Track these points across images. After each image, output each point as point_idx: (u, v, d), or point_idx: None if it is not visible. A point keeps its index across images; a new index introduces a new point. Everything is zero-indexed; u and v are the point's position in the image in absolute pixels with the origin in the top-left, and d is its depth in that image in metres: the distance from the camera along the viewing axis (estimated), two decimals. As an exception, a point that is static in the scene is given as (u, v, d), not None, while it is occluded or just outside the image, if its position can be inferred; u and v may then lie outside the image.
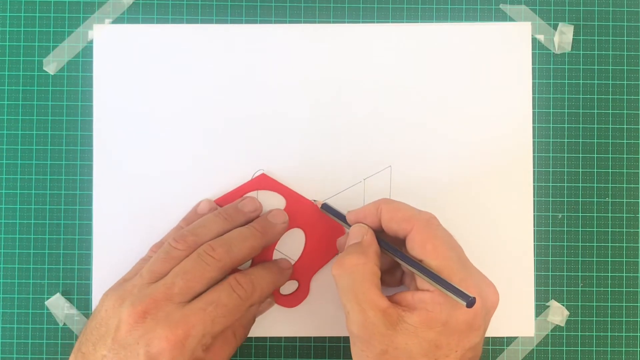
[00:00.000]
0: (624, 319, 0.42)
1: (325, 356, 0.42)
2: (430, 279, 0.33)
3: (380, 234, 0.37)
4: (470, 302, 0.31)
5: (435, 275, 0.33)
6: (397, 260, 0.35)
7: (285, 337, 0.42)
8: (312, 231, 0.41)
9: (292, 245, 0.42)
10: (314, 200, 0.41)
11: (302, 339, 0.42)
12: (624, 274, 0.42)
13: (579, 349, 0.42)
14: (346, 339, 0.42)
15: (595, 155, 0.43)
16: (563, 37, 0.43)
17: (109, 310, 0.34)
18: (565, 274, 0.42)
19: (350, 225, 0.38)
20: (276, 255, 0.41)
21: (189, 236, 0.37)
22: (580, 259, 0.42)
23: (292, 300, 0.41)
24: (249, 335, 0.41)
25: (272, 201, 0.41)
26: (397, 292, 0.35)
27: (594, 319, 0.42)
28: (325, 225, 0.41)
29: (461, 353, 0.33)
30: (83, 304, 0.42)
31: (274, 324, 0.42)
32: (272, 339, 0.42)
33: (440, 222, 0.36)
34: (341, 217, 0.39)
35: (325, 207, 0.40)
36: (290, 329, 0.42)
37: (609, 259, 0.42)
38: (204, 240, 0.37)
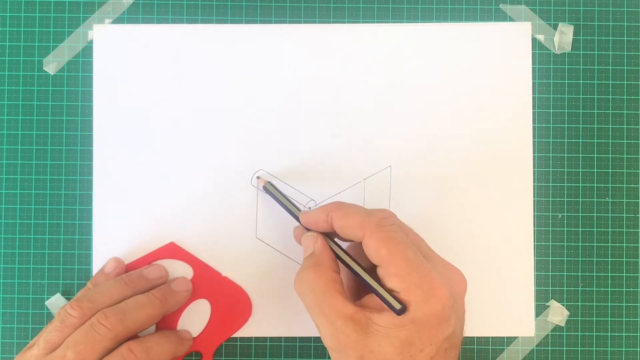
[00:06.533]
0: (624, 319, 0.42)
1: (325, 356, 0.42)
2: (367, 286, 0.33)
3: (333, 234, 0.36)
4: (400, 311, 0.32)
5: (370, 283, 0.33)
6: (345, 266, 0.35)
7: (285, 337, 0.42)
8: (217, 302, 0.41)
9: (197, 316, 0.41)
10: (258, 178, 0.41)
11: (302, 339, 0.42)
12: (624, 274, 0.42)
13: (579, 349, 0.42)
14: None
15: (595, 155, 0.43)
16: (563, 37, 0.43)
17: None
18: (565, 274, 0.42)
19: (298, 219, 0.38)
20: (182, 325, 0.41)
21: (84, 302, 0.37)
22: (580, 259, 0.42)
23: None
24: (249, 335, 0.41)
25: (180, 271, 0.41)
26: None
27: (594, 319, 0.42)
28: (231, 297, 0.41)
29: (436, 346, 0.32)
30: (83, 304, 0.42)
31: (274, 324, 0.42)
32: (272, 339, 0.42)
33: (397, 217, 0.35)
34: (284, 204, 0.39)
35: (267, 190, 0.40)
36: (290, 329, 0.42)
37: (609, 259, 0.42)
38: (100, 307, 0.36)
